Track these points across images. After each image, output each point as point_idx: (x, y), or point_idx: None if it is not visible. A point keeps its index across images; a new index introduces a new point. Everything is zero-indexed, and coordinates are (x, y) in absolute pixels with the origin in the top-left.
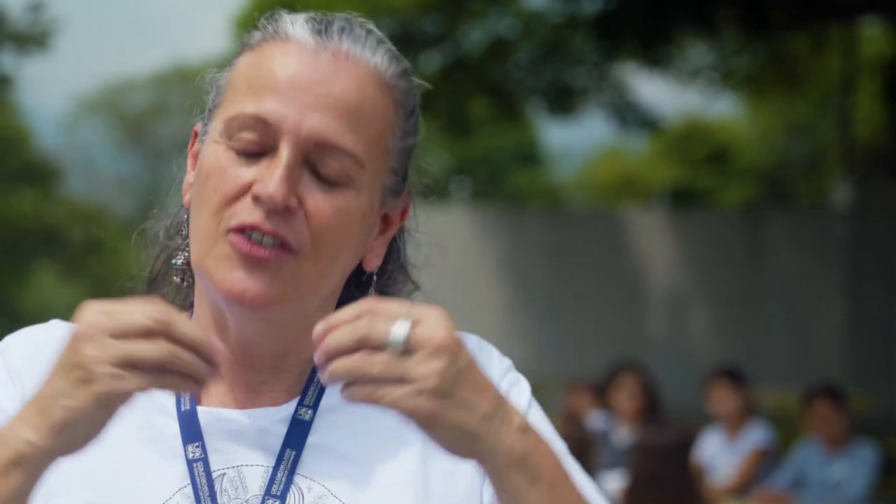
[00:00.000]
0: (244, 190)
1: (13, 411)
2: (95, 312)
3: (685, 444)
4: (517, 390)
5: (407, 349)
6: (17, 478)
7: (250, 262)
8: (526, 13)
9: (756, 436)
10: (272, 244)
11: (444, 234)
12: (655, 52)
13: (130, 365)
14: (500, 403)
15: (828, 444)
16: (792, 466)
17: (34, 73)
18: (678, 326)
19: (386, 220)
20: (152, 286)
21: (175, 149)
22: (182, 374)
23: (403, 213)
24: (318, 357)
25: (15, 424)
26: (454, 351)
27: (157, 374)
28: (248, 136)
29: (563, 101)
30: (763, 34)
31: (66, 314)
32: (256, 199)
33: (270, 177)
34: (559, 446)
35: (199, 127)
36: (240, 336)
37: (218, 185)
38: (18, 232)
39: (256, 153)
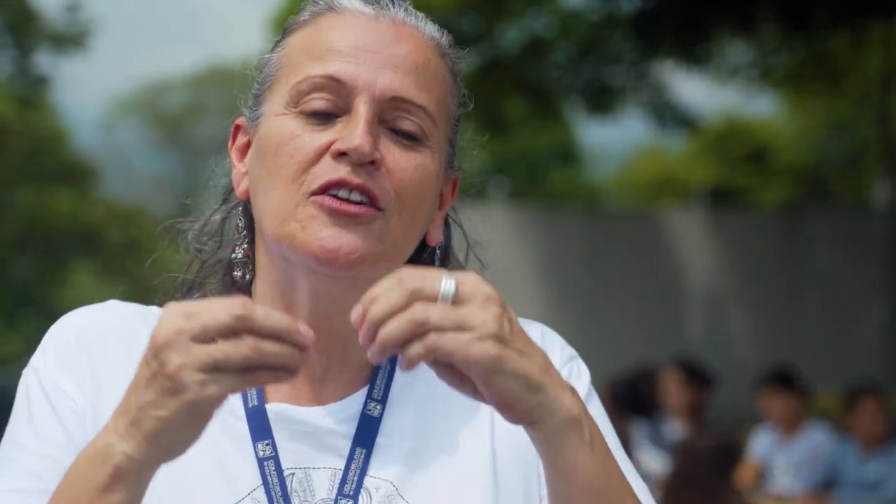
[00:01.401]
0: (321, 152)
1: (85, 403)
2: (176, 316)
3: (725, 448)
4: (577, 382)
5: (458, 300)
6: (121, 492)
7: (341, 220)
8: (564, 12)
9: (820, 440)
10: (360, 200)
11: (481, 233)
12: (694, 51)
13: (218, 369)
14: (549, 363)
15: (864, 444)
16: (826, 465)
17: (71, 74)
18: (716, 326)
19: (440, 196)
20: (188, 294)
21: (212, 149)
22: (272, 368)
23: (454, 189)
24: (363, 335)
25: (108, 437)
26: (502, 303)
27: (247, 372)
28: (319, 96)
29: (601, 100)
30: (802, 32)
31: None
32: (339, 156)
33: (352, 132)
34: (613, 441)
35: (242, 120)
36: (313, 312)
37: (293, 151)
38: (56, 232)
39: (326, 118)
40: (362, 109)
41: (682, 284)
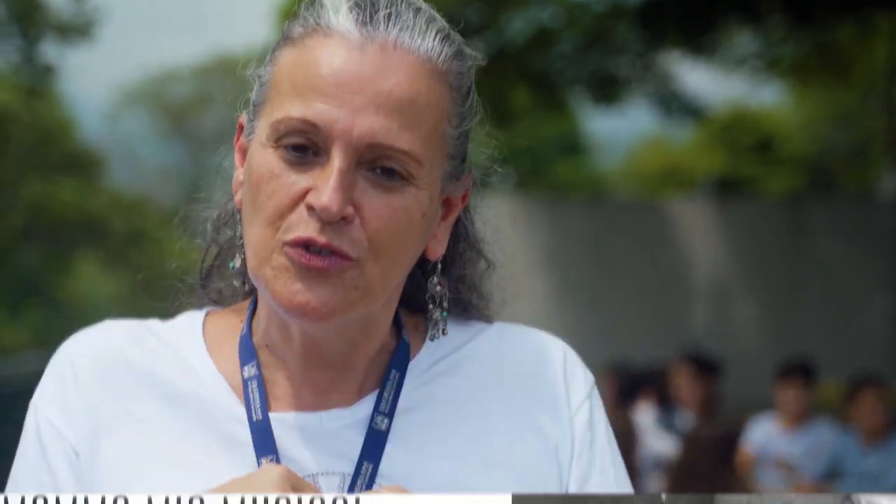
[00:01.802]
0: (298, 199)
1: (78, 440)
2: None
3: (729, 437)
4: (598, 414)
5: None
6: None
7: (309, 274)
8: (569, 2)
9: (824, 432)
10: (329, 254)
11: (493, 229)
12: (700, 41)
13: None
14: None
15: (865, 436)
16: (829, 457)
17: (77, 64)
18: (720, 316)
19: (447, 204)
20: (205, 281)
21: (218, 139)
22: None
23: (465, 194)
24: None
25: None
26: None
27: None
28: (297, 139)
29: (607, 91)
30: (808, 22)
31: (108, 303)
32: (311, 209)
33: (324, 186)
34: (620, 472)
35: (243, 119)
36: (305, 338)
37: (271, 193)
38: (61, 222)
39: (307, 155)
40: (336, 160)
41: (685, 275)
